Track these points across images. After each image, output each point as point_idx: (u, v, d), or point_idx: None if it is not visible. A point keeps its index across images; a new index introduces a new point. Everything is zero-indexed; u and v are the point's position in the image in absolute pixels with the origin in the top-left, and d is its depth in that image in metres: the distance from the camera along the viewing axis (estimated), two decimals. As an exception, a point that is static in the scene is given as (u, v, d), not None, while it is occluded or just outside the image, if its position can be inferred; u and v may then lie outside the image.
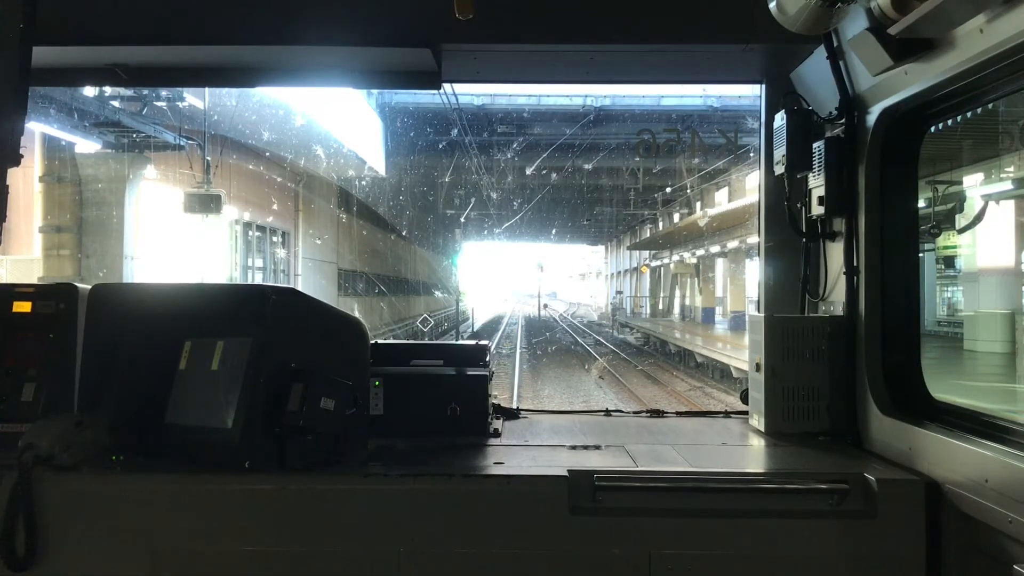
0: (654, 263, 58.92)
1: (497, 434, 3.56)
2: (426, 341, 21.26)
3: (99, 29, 3.54)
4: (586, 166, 36.35)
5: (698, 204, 43.21)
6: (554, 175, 38.88)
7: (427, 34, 3.53)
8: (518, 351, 35.96)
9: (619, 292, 69.26)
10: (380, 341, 3.76)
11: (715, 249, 41.27)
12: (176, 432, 3.04)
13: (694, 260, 47.50)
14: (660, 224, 53.51)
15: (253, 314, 2.99)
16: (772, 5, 2.94)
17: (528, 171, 37.16)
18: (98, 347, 3.21)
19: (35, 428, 2.87)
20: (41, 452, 2.78)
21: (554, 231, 69.65)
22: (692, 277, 50.65)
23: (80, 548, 2.80)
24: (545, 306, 74.37)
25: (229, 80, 4.47)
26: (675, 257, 51.47)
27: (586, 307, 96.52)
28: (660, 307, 57.17)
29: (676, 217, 48.62)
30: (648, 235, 58.58)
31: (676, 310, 53.94)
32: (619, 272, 74.94)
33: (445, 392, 3.57)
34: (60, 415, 3.01)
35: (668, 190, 42.43)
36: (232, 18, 3.58)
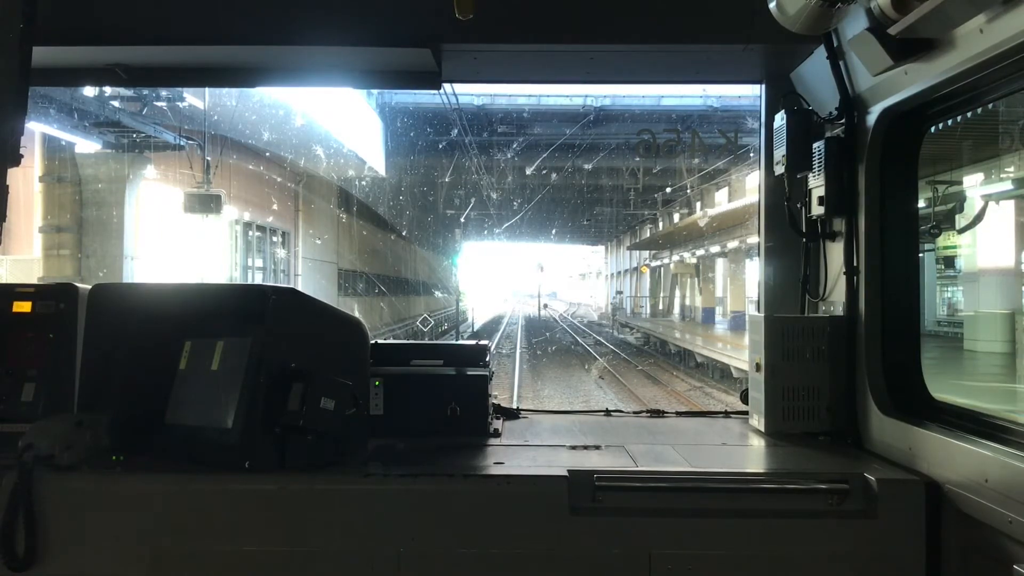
0: (654, 263, 58.89)
1: (497, 434, 3.56)
2: (426, 341, 21.25)
3: (99, 29, 3.54)
4: (586, 166, 36.28)
5: (698, 204, 43.19)
6: (554, 175, 38.81)
7: (427, 34, 3.53)
8: (518, 351, 35.94)
9: (619, 292, 69.22)
10: (380, 341, 3.76)
11: (715, 249, 41.25)
12: (176, 432, 3.05)
13: (694, 260, 47.47)
14: (660, 224, 53.45)
15: (253, 314, 2.99)
16: (772, 5, 2.95)
17: (528, 171, 37.09)
18: (98, 347, 3.21)
19: (35, 428, 2.87)
20: (41, 452, 2.78)
21: (554, 231, 69.57)
22: (692, 277, 50.61)
23: (80, 548, 2.80)
24: (545, 306, 74.35)
25: (229, 80, 4.47)
26: (675, 257, 51.43)
27: (586, 307, 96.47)
28: (660, 307, 57.14)
29: (676, 217, 48.57)
30: (648, 235, 58.54)
31: (676, 310, 53.90)
32: (619, 272, 74.90)
33: (445, 392, 3.57)
34: (60, 415, 3.01)
35: (668, 190, 42.36)
36: (232, 18, 3.58)
